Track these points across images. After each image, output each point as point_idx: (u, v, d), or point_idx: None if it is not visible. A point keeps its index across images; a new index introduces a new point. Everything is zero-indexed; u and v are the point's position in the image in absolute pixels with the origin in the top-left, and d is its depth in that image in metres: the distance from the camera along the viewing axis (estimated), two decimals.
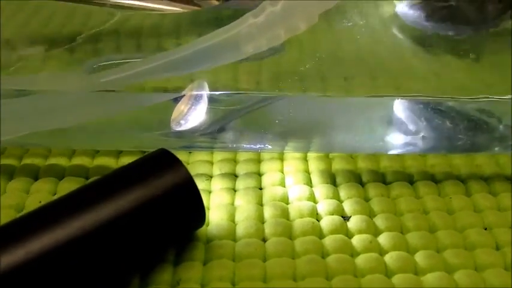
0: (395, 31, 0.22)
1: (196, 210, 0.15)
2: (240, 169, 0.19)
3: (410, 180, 0.18)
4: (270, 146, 0.18)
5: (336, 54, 0.20)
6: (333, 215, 0.17)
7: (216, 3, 0.25)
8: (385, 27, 0.21)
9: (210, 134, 0.18)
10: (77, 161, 0.19)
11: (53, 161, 0.19)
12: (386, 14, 0.23)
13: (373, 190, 0.18)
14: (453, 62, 0.21)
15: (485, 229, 0.16)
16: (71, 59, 0.19)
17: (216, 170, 0.19)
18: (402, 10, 0.24)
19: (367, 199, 0.18)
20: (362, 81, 0.20)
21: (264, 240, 0.16)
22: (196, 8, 0.23)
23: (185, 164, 0.19)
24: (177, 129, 0.19)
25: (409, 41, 0.22)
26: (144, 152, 0.19)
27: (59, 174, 0.18)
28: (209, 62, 0.18)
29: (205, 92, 0.19)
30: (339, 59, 0.20)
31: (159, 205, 0.14)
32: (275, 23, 0.18)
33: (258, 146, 0.18)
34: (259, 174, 0.19)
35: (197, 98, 0.19)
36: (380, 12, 0.24)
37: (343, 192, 0.18)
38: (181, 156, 0.19)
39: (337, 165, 0.19)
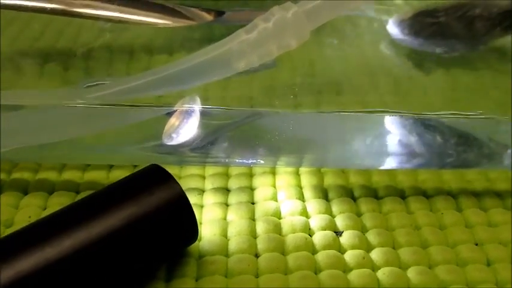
0: (384, 47, 0.22)
1: (189, 227, 0.15)
2: (232, 183, 0.19)
3: (401, 195, 0.18)
4: (262, 161, 0.18)
5: (327, 70, 0.20)
6: (325, 230, 0.17)
7: (210, 18, 0.25)
8: (375, 44, 0.22)
9: (202, 148, 0.18)
10: (67, 175, 0.18)
11: (42, 175, 0.18)
12: (376, 31, 0.24)
13: (365, 205, 0.18)
14: (443, 78, 0.21)
15: (476, 245, 0.16)
16: (64, 75, 0.19)
17: (208, 185, 0.19)
18: (391, 26, 0.24)
19: (359, 214, 0.18)
20: (352, 97, 0.20)
21: (257, 255, 0.16)
22: (190, 22, 0.23)
23: (177, 178, 0.19)
24: (169, 143, 0.19)
25: (398, 58, 0.22)
26: (136, 166, 0.19)
27: (49, 188, 0.18)
28: (201, 78, 0.18)
29: (197, 107, 0.19)
30: (329, 75, 0.20)
31: (152, 222, 0.14)
32: (267, 40, 0.18)
33: (250, 161, 0.18)
34: (252, 189, 0.19)
35: (189, 112, 0.19)
36: (371, 28, 0.24)
37: (335, 207, 0.18)
38: (173, 170, 0.19)
39: (329, 179, 0.19)
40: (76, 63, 0.22)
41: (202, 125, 0.18)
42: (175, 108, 0.18)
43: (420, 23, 0.24)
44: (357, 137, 0.19)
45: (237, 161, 0.18)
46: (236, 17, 0.26)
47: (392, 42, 0.23)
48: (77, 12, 0.22)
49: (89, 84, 0.18)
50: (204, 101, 0.19)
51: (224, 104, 0.19)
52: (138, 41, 0.24)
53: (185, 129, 0.19)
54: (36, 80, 0.20)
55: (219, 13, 0.25)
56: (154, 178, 0.15)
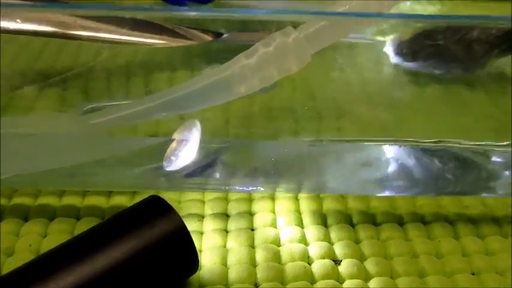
0: (383, 71, 0.22)
1: (190, 259, 0.15)
2: (232, 208, 0.19)
3: (400, 221, 0.19)
4: (262, 188, 0.18)
5: (327, 95, 0.20)
6: (324, 258, 0.17)
7: (209, 38, 0.25)
8: (373, 67, 0.22)
9: (201, 174, 0.18)
10: (67, 200, 0.19)
11: (43, 200, 0.18)
12: (376, 53, 0.24)
13: (363, 232, 0.18)
14: (442, 101, 0.21)
15: (473, 274, 0.17)
16: (63, 97, 0.19)
17: (208, 210, 0.19)
18: (389, 47, 0.24)
19: (357, 241, 0.18)
20: (350, 122, 0.20)
21: (256, 285, 0.16)
22: (189, 42, 0.24)
23: (177, 203, 0.19)
24: (168, 168, 0.19)
25: (396, 81, 0.22)
26: (135, 192, 0.19)
27: (50, 215, 0.18)
28: (202, 103, 0.18)
29: (197, 132, 0.19)
30: (329, 99, 0.21)
31: (153, 255, 0.14)
32: (268, 64, 0.18)
33: (250, 188, 0.18)
34: (251, 214, 0.19)
35: (189, 137, 0.19)
36: (369, 51, 0.24)
37: (333, 234, 0.18)
38: (173, 195, 0.19)
39: (328, 204, 0.19)
40: (75, 83, 0.22)
41: (201, 149, 0.19)
42: (174, 137, 0.19)
43: (418, 45, 0.24)
44: (355, 163, 0.19)
45: (236, 188, 0.18)
46: (235, 38, 0.26)
47: (391, 65, 0.23)
48: (77, 34, 0.22)
49: (88, 107, 0.18)
50: (204, 122, 0.19)
51: (224, 126, 0.20)
52: (137, 58, 0.24)
53: (184, 152, 0.19)
54: (35, 102, 0.20)
55: (218, 34, 0.25)
56: (154, 210, 0.15)
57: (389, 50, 0.25)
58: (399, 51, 0.24)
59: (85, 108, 0.18)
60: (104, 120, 0.17)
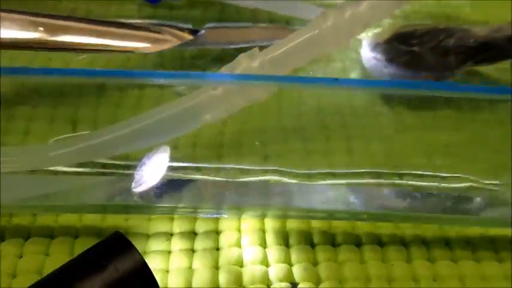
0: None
1: None
2: (200, 226, 0.20)
3: (358, 242, 0.20)
4: (226, 215, 0.19)
5: (297, 120, 0.20)
6: (282, 281, 0.18)
7: (189, 37, 0.25)
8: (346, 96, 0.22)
9: (168, 198, 0.19)
10: (41, 220, 0.19)
11: (16, 220, 0.19)
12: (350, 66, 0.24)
13: (322, 253, 0.19)
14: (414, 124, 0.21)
15: None
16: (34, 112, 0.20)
17: (176, 228, 0.20)
18: (365, 49, 0.24)
19: (315, 263, 0.19)
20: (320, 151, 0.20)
21: None
22: (170, 44, 0.23)
23: (147, 220, 0.20)
24: (137, 190, 0.19)
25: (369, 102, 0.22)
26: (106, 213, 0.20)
27: (24, 234, 0.19)
28: (167, 133, 0.18)
29: (165, 157, 0.19)
30: (298, 119, 0.21)
31: None
32: (234, 94, 0.18)
33: (214, 216, 0.19)
34: (218, 233, 0.20)
35: (158, 161, 0.19)
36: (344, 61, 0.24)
37: (294, 256, 0.19)
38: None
39: (292, 224, 0.20)
40: (45, 100, 0.22)
41: (169, 173, 0.19)
42: (144, 160, 0.19)
43: (394, 50, 0.24)
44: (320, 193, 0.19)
45: (202, 215, 0.19)
46: (212, 35, 0.26)
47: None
48: (60, 41, 0.22)
49: (56, 139, 0.18)
50: (174, 149, 0.19)
51: (193, 151, 0.20)
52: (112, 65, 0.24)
53: (153, 176, 0.19)
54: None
55: (194, 31, 0.25)
56: (117, 250, 0.16)
57: (365, 50, 0.25)
58: (375, 54, 0.24)
59: (52, 140, 0.18)
60: (70, 151, 0.17)
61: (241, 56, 0.19)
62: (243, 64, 0.19)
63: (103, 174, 0.18)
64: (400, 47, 0.24)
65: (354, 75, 0.24)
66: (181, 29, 0.25)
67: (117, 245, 0.16)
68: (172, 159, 0.19)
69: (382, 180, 0.20)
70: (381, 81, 0.18)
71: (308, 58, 0.19)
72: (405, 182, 0.20)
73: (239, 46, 0.25)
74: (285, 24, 0.27)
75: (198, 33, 0.25)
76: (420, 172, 0.19)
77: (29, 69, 0.16)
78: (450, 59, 0.23)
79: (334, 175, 0.19)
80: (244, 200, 0.19)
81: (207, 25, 0.26)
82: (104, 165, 0.19)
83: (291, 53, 0.19)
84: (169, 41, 0.24)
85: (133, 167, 0.19)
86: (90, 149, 0.17)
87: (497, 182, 0.20)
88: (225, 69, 0.19)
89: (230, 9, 0.28)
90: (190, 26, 0.26)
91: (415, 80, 0.23)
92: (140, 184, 0.19)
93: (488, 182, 0.20)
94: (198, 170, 0.19)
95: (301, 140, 0.20)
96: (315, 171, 0.19)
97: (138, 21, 0.27)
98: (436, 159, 0.20)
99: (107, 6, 0.28)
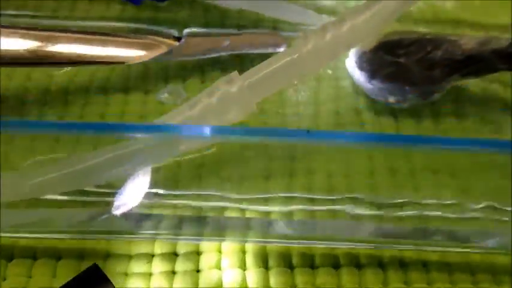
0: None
1: None
2: (181, 247, 0.20)
3: (336, 264, 0.20)
4: (206, 242, 0.19)
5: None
6: None
7: (174, 43, 0.24)
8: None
9: (148, 225, 0.19)
10: (24, 242, 0.20)
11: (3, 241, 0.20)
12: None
13: (300, 276, 0.19)
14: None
15: None
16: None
17: (158, 249, 0.20)
18: (351, 59, 0.24)
19: (293, 287, 0.19)
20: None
21: None
22: (159, 51, 0.23)
23: (128, 241, 0.20)
24: (117, 212, 0.20)
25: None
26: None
27: (7, 256, 0.19)
28: (146, 160, 0.18)
29: (146, 180, 0.19)
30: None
31: None
32: (210, 116, 0.18)
33: (194, 242, 0.19)
34: (198, 253, 0.20)
35: (138, 185, 0.19)
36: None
37: (273, 279, 0.19)
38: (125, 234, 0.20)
39: (272, 244, 0.20)
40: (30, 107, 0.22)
41: (150, 198, 0.19)
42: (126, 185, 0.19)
43: (380, 60, 0.24)
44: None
45: (182, 241, 0.19)
46: (194, 43, 0.25)
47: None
48: (55, 51, 0.22)
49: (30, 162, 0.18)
50: (156, 172, 0.19)
51: (173, 176, 0.20)
52: (94, 83, 0.24)
53: (133, 201, 0.20)
54: None
55: (177, 38, 0.25)
56: (92, 284, 0.16)
57: (351, 60, 0.24)
58: (360, 64, 0.24)
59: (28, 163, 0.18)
60: (45, 180, 0.17)
61: (220, 80, 0.19)
62: (222, 89, 0.19)
63: (84, 201, 0.19)
64: (386, 57, 0.23)
65: (344, 83, 0.24)
66: (166, 36, 0.25)
67: (94, 280, 0.16)
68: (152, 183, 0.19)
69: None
70: (359, 134, 0.17)
71: (288, 82, 0.19)
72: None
73: (228, 53, 0.25)
74: (271, 29, 0.26)
75: (181, 41, 0.24)
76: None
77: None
78: (436, 72, 0.22)
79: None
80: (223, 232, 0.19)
81: (191, 29, 0.26)
82: (85, 192, 0.19)
83: (271, 77, 0.19)
84: (154, 49, 0.24)
85: (114, 194, 0.19)
86: (68, 177, 0.17)
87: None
88: (204, 95, 0.19)
89: (215, 10, 0.27)
90: (175, 33, 0.25)
91: (398, 100, 0.23)
92: (120, 207, 0.19)
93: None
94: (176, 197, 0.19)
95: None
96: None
97: (121, 24, 0.26)
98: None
99: (89, 6, 0.27)
